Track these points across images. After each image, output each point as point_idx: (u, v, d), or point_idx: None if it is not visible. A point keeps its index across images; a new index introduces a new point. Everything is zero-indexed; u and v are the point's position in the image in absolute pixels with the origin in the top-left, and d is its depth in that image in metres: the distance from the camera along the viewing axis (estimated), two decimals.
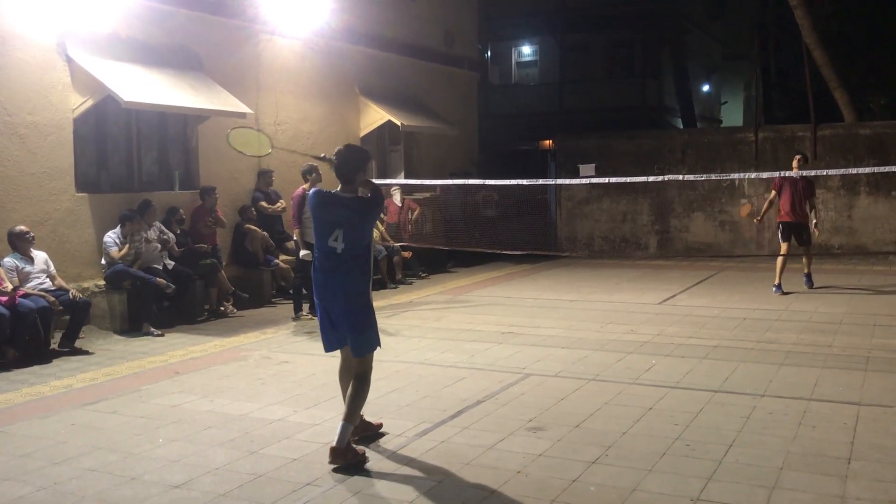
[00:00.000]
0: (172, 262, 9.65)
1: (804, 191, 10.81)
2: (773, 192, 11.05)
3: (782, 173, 10.75)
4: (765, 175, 10.90)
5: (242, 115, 10.78)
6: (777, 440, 5.03)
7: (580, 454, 4.86)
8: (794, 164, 10.63)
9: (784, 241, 10.90)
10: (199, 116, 10.60)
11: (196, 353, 8.04)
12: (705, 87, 31.42)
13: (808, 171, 10.88)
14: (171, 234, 9.77)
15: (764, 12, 27.09)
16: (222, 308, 10.21)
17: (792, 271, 11.12)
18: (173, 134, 10.95)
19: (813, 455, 4.76)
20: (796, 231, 10.90)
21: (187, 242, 10.17)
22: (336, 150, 4.99)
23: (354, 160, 4.90)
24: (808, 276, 11.14)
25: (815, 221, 10.96)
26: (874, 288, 11.27)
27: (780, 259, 10.88)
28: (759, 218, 11.56)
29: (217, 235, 10.60)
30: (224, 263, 10.58)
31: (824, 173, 12.65)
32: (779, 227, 11.00)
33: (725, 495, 4.21)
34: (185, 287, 9.58)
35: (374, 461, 4.83)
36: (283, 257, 11.43)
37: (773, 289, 10.79)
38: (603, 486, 4.38)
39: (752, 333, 8.37)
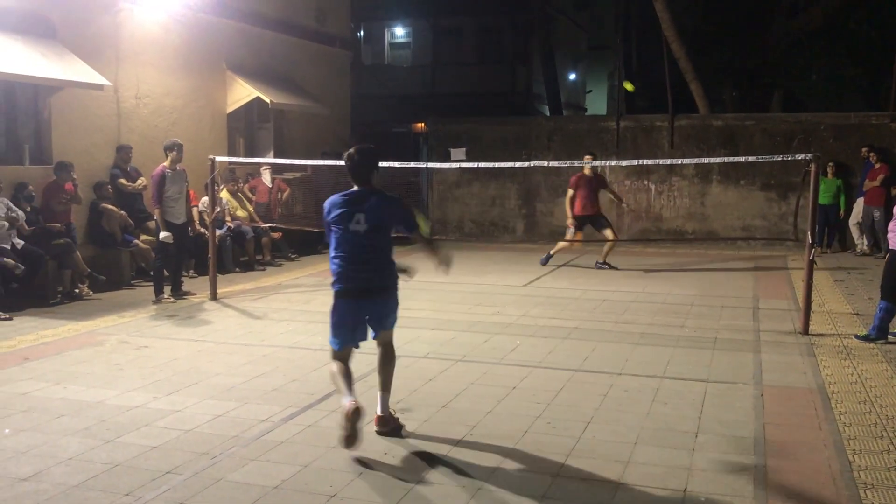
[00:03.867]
0: (22, 242, 9.07)
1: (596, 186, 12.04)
2: (571, 191, 12.00)
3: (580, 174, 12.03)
4: (624, 163, 11.37)
5: (99, 87, 10.25)
6: (632, 416, 5.29)
7: (446, 434, 4.95)
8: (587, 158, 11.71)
9: (578, 230, 12.04)
10: (52, 87, 9.98)
11: (48, 337, 7.62)
12: (572, 76, 32.38)
13: (650, 161, 12.19)
14: (19, 212, 9.17)
15: (628, 4, 28.12)
16: (77, 290, 9.71)
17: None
18: (23, 105, 10.26)
19: (664, 430, 5.04)
20: (591, 221, 12.03)
21: (38, 220, 9.58)
22: (346, 153, 5.14)
23: (367, 162, 5.11)
24: (603, 262, 12.13)
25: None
26: (723, 272, 12.00)
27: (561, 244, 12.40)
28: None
29: (72, 213, 10.04)
30: (79, 243, 10.05)
31: (679, 162, 13.31)
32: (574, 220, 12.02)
33: (583, 471, 4.40)
34: (36, 268, 9.05)
35: (236, 447, 4.74)
36: (143, 237, 10.96)
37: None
38: (468, 464, 4.48)
39: (610, 315, 8.74)
